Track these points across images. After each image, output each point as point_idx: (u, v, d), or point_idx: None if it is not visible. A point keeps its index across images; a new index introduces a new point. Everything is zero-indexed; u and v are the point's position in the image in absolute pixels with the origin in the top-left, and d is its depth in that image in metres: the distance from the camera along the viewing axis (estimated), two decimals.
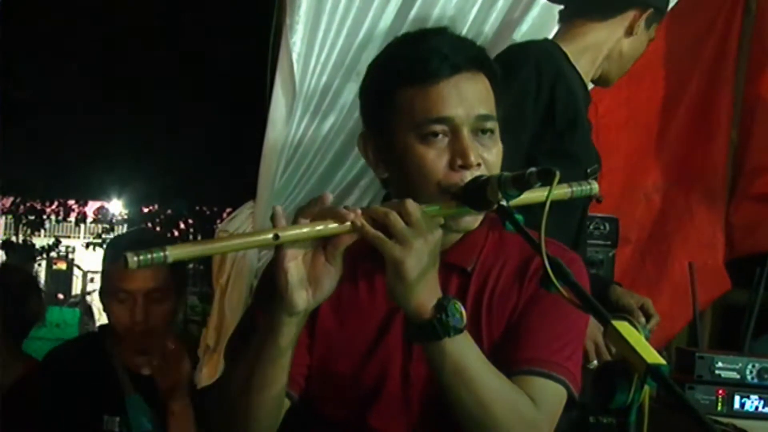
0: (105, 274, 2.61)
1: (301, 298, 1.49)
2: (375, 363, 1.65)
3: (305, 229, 1.47)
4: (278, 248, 1.48)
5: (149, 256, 1.37)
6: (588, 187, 1.61)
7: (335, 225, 1.47)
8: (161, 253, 1.37)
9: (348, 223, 1.47)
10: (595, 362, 2.39)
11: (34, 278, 3.49)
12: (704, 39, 3.67)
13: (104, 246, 15.57)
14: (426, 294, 1.48)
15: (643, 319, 2.62)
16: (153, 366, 2.47)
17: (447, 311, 1.47)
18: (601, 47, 2.54)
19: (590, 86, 2.70)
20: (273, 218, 1.48)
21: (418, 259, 1.46)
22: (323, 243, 1.50)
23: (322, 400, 1.68)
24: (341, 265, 1.51)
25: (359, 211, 1.48)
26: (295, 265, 1.48)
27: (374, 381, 1.65)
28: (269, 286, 1.55)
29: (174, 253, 1.38)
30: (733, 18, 3.68)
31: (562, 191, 1.58)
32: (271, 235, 1.46)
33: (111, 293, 2.55)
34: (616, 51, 2.55)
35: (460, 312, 1.48)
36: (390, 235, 1.46)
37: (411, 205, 1.47)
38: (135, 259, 1.36)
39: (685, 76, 3.68)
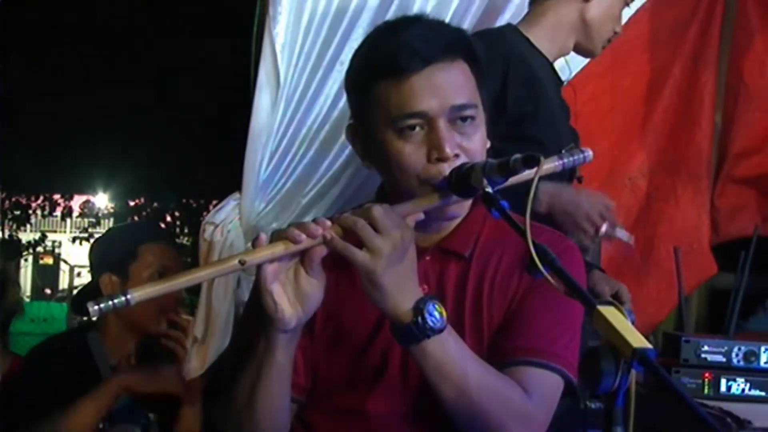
0: (132, 251, 2.62)
1: (291, 315, 1.50)
2: (376, 351, 1.66)
3: (270, 251, 1.47)
4: (258, 272, 1.49)
5: (110, 303, 1.35)
6: (581, 155, 1.60)
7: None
8: (122, 298, 1.35)
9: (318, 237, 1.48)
10: (605, 228, 2.41)
11: (9, 271, 3.49)
12: (687, 23, 3.67)
13: (96, 233, 15.53)
14: (402, 298, 1.48)
15: None
16: (171, 333, 2.51)
17: (424, 313, 1.47)
18: (562, 23, 2.55)
19: (577, 66, 2.68)
20: (254, 242, 1.50)
21: (390, 265, 1.46)
22: (300, 257, 1.50)
23: (327, 391, 1.69)
24: (323, 274, 1.52)
25: (328, 224, 1.49)
26: (278, 285, 1.49)
27: (376, 369, 1.66)
28: (258, 306, 1.56)
29: (137, 294, 1.37)
30: (716, 1, 3.69)
31: (552, 165, 1.58)
32: (236, 261, 1.45)
33: None
34: (578, 21, 2.56)
35: (440, 311, 1.49)
36: (361, 244, 1.46)
37: (377, 211, 1.47)
38: (96, 308, 1.35)
39: (669, 60, 3.68)
